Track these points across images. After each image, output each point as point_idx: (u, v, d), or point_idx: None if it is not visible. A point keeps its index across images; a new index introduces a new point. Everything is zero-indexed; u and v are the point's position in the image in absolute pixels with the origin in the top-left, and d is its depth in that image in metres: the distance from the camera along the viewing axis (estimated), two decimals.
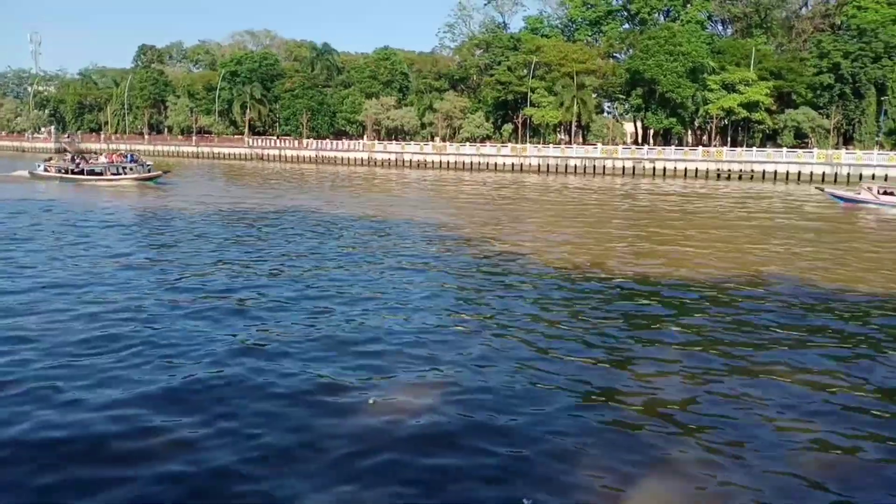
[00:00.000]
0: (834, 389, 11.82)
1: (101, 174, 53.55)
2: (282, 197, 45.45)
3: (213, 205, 39.39)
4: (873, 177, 63.28)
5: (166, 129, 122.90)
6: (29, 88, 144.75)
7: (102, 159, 58.12)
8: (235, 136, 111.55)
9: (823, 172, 66.22)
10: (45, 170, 56.32)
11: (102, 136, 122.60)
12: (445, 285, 19.30)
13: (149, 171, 54.23)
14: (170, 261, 22.24)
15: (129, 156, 59.52)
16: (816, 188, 53.25)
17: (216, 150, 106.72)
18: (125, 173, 53.40)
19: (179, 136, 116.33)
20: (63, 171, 55.02)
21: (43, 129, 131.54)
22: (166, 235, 28.18)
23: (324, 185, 59.99)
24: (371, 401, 10.82)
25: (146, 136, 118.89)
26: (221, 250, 24.45)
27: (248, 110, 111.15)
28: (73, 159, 58.11)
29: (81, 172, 53.97)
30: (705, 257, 24.79)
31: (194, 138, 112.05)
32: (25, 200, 39.73)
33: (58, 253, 23.25)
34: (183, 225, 31.17)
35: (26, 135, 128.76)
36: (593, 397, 11.33)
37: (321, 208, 38.46)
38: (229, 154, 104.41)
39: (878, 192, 43.19)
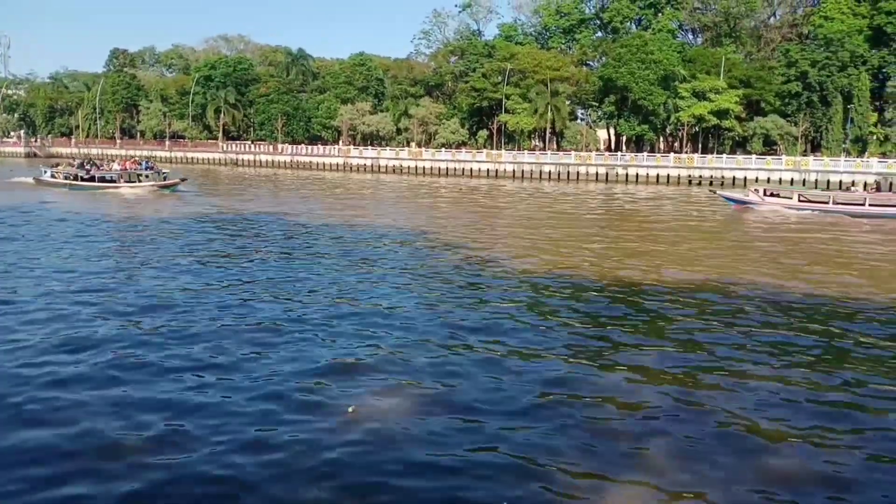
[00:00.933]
0: (808, 389, 12.19)
1: (113, 182, 50.82)
2: (281, 204, 45.30)
3: (227, 212, 39.21)
4: (840, 183, 64.76)
5: (139, 134, 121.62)
6: None
7: (116, 166, 55.42)
8: (209, 141, 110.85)
9: (792, 179, 67.53)
10: (53, 176, 53.24)
11: (73, 140, 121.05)
12: (422, 291, 19.46)
13: (165, 178, 51.64)
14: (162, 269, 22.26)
15: (144, 162, 56.80)
16: (710, 190, 56.32)
17: (190, 154, 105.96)
18: (140, 181, 50.81)
19: (152, 141, 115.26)
20: (72, 177, 51.87)
21: (12, 133, 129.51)
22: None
23: (306, 190, 59.87)
24: (351, 408, 10.85)
25: (118, 141, 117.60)
26: (206, 257, 24.51)
27: (222, 115, 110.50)
28: (82, 165, 55.21)
29: (92, 179, 51.16)
30: (673, 261, 25.38)
31: (167, 143, 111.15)
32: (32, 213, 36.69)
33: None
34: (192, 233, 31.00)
35: None
36: (571, 400, 11.54)
37: (301, 214, 38.59)
38: (203, 159, 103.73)
39: (764, 194, 46.00)
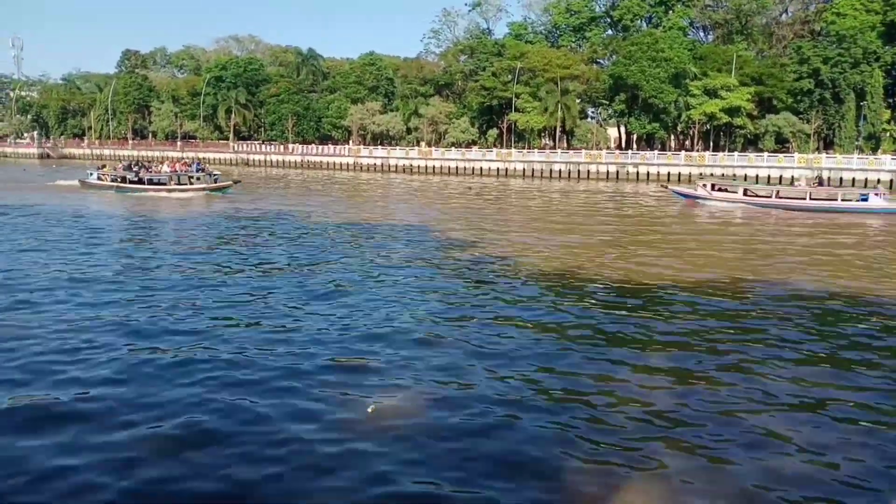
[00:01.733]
0: (819, 392, 12.14)
1: (163, 184, 49.04)
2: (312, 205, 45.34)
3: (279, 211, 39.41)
4: (853, 181, 64.32)
5: (151, 135, 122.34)
6: (11, 94, 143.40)
7: (165, 168, 53.84)
8: (221, 142, 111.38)
9: (804, 176, 67.00)
10: (99, 178, 51.77)
11: (86, 141, 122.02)
12: (435, 291, 19.45)
13: (216, 181, 50.09)
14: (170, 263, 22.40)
15: (194, 164, 55.57)
16: (661, 185, 57.86)
17: (201, 154, 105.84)
18: (191, 183, 49.21)
19: (164, 141, 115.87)
20: (119, 179, 50.24)
21: (25, 135, 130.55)
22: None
23: (327, 190, 60.02)
24: (371, 408, 10.83)
25: (130, 142, 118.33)
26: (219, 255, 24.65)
27: (232, 115, 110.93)
28: (130, 167, 53.54)
29: (140, 182, 49.41)
30: (680, 261, 25.33)
31: (179, 143, 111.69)
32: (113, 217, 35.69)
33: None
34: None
35: (8, 140, 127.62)
36: (581, 401, 11.55)
37: (312, 214, 38.77)
38: (215, 159, 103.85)
39: (712, 188, 47.26)
